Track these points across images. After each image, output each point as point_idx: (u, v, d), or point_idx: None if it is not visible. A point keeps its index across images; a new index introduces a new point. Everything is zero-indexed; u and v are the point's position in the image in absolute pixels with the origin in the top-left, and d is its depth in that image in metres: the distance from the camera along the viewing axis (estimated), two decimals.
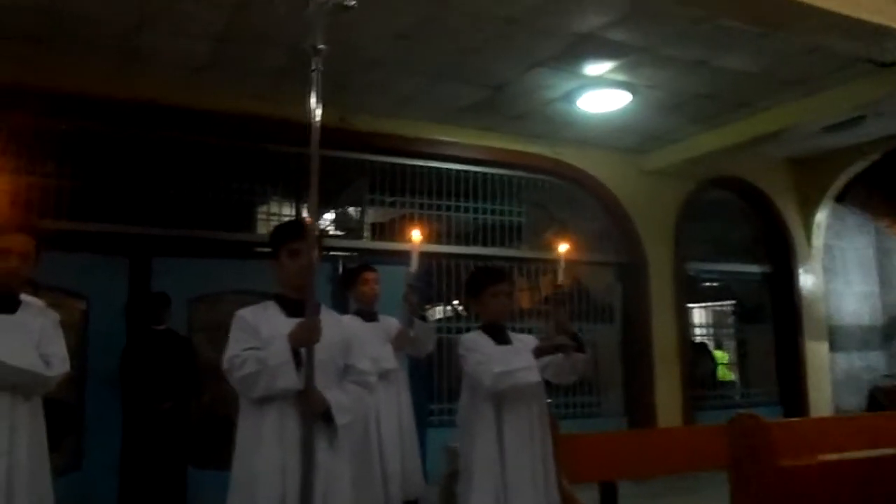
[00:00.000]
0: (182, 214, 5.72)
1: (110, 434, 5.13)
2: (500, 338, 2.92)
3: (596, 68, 5.43)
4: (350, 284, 4.03)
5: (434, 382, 6.35)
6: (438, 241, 6.73)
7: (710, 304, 9.88)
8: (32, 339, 2.54)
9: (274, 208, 6.37)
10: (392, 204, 6.59)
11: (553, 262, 7.12)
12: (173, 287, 5.38)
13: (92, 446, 5.17)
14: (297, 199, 6.30)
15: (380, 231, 6.78)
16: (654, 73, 5.53)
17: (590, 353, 2.84)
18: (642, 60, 5.29)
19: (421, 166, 6.69)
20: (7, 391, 2.45)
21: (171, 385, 5.00)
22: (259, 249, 6.18)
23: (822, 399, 8.42)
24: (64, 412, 4.96)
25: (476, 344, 2.85)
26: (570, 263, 2.94)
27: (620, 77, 5.59)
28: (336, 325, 2.46)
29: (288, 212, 6.37)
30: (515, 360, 2.77)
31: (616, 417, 7.26)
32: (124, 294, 5.47)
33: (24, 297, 2.65)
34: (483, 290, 2.93)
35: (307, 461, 2.18)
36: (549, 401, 2.96)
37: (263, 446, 2.29)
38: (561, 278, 2.91)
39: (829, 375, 8.59)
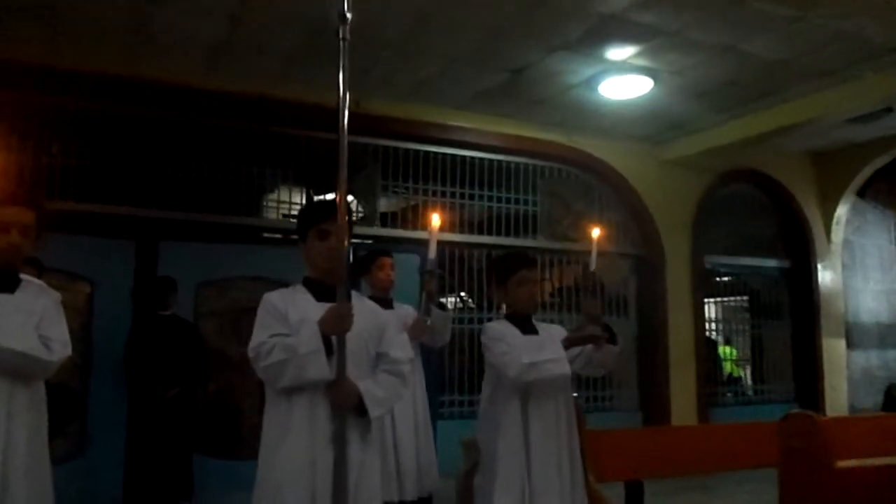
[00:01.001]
0: (190, 198, 5.58)
1: (115, 421, 5.01)
2: (527, 327, 2.76)
3: (618, 53, 5.25)
4: (364, 270, 3.87)
5: (444, 373, 6.21)
6: (451, 230, 6.58)
7: (719, 299, 9.71)
8: (32, 320, 2.39)
9: (284, 193, 6.23)
10: (405, 190, 6.44)
11: (567, 253, 7.10)
12: (180, 272, 5.24)
13: (96, 433, 5.06)
14: (308, 184, 6.15)
15: (391, 220, 6.63)
16: (678, 59, 5.35)
17: (621, 345, 2.68)
18: (667, 45, 5.11)
19: (435, 152, 6.53)
20: (6, 376, 2.30)
21: (177, 372, 4.87)
22: (267, 235, 6.08)
23: (838, 397, 8.26)
24: (67, 398, 4.84)
25: (501, 333, 2.70)
26: (601, 252, 2.77)
27: (643, 62, 5.41)
28: (369, 312, 2.31)
29: (298, 197, 6.23)
30: (543, 350, 2.62)
31: (630, 412, 7.12)
32: (130, 278, 5.34)
33: (23, 276, 2.50)
34: (510, 276, 2.77)
35: (340, 456, 2.03)
36: (576, 395, 2.80)
37: (292, 439, 2.13)
38: (593, 266, 2.75)
39: (845, 373, 8.43)
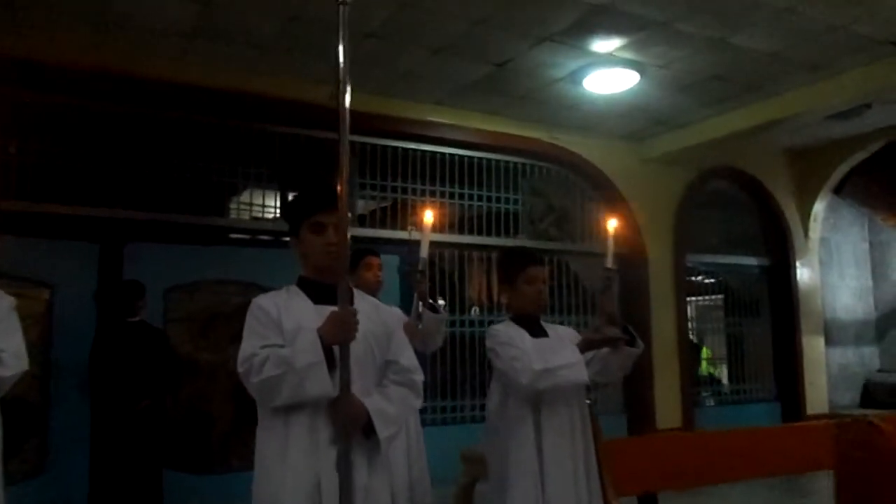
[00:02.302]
0: (157, 197, 5.27)
1: (78, 436, 4.69)
2: (535, 329, 2.55)
3: (605, 45, 5.09)
4: (350, 270, 3.61)
5: (426, 379, 5.98)
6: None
7: (700, 298, 9.65)
8: None
9: (255, 192, 5.94)
10: (383, 188, 6.20)
11: (549, 252, 6.92)
12: (147, 275, 4.92)
13: (58, 449, 4.71)
14: (283, 183, 5.87)
15: (369, 220, 6.38)
16: (666, 52, 5.21)
17: (642, 347, 2.49)
18: (655, 36, 4.97)
19: (414, 150, 6.31)
20: None
21: (145, 381, 4.56)
22: (237, 236, 5.78)
23: (818, 395, 8.24)
24: (25, 412, 4.52)
25: (509, 337, 2.48)
26: (618, 245, 2.56)
27: (630, 55, 5.27)
28: (374, 313, 2.06)
29: (271, 198, 5.95)
30: (556, 355, 2.40)
31: (615, 415, 6.97)
32: (94, 283, 5.01)
33: None
34: (518, 274, 2.55)
35: (345, 483, 1.79)
36: (589, 402, 2.60)
37: (290, 464, 1.87)
38: (610, 262, 2.55)
39: (825, 370, 8.42)
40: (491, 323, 3.25)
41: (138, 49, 4.92)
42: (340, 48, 1.88)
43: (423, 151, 6.36)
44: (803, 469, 2.71)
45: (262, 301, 2.00)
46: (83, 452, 4.69)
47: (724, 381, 9.04)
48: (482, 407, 3.28)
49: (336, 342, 1.84)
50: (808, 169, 8.30)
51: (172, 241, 5.29)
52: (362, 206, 6.35)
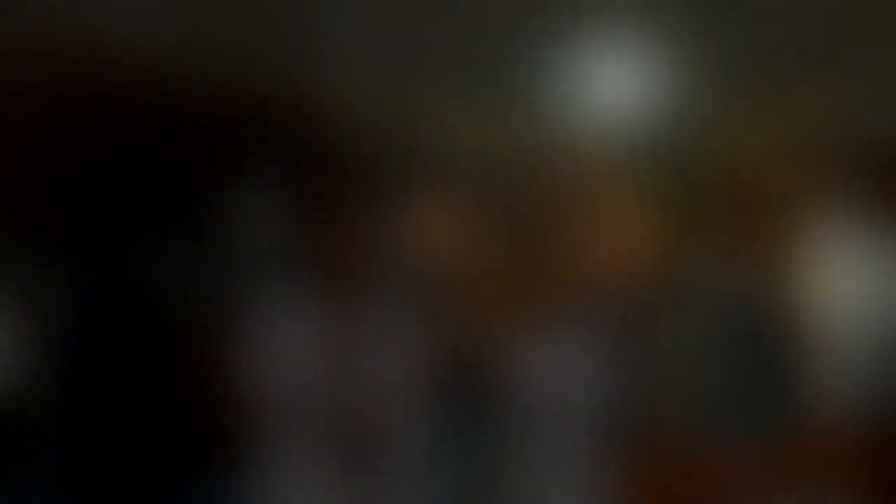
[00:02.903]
0: (155, 198, 5.18)
1: (67, 454, 4.55)
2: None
3: (614, 48, 5.01)
4: (355, 277, 3.52)
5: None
6: None
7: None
8: None
9: (253, 192, 5.87)
10: (386, 191, 6.13)
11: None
12: (144, 277, 4.82)
13: (45, 472, 4.58)
14: (284, 185, 5.80)
15: (374, 225, 6.33)
16: (680, 53, 5.13)
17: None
18: (666, 36, 4.89)
19: (416, 151, 6.24)
20: None
21: (143, 387, 4.44)
22: (233, 239, 5.70)
23: (822, 405, 8.18)
24: (7, 423, 4.39)
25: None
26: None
27: (643, 55, 5.19)
28: (380, 322, 1.96)
29: (274, 201, 5.88)
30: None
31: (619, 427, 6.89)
32: (82, 279, 4.91)
33: None
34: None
35: None
36: (592, 414, 2.47)
37: (296, 484, 1.76)
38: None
39: (829, 380, 8.35)
40: None
41: (131, 46, 4.84)
42: (341, 45, 1.76)
43: (426, 153, 6.29)
44: (818, 486, 2.56)
45: (264, 308, 1.90)
46: (76, 472, 4.57)
47: (729, 390, 9.00)
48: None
49: (343, 356, 1.73)
50: (817, 171, 8.26)
51: (170, 244, 5.21)
52: (367, 210, 6.28)
